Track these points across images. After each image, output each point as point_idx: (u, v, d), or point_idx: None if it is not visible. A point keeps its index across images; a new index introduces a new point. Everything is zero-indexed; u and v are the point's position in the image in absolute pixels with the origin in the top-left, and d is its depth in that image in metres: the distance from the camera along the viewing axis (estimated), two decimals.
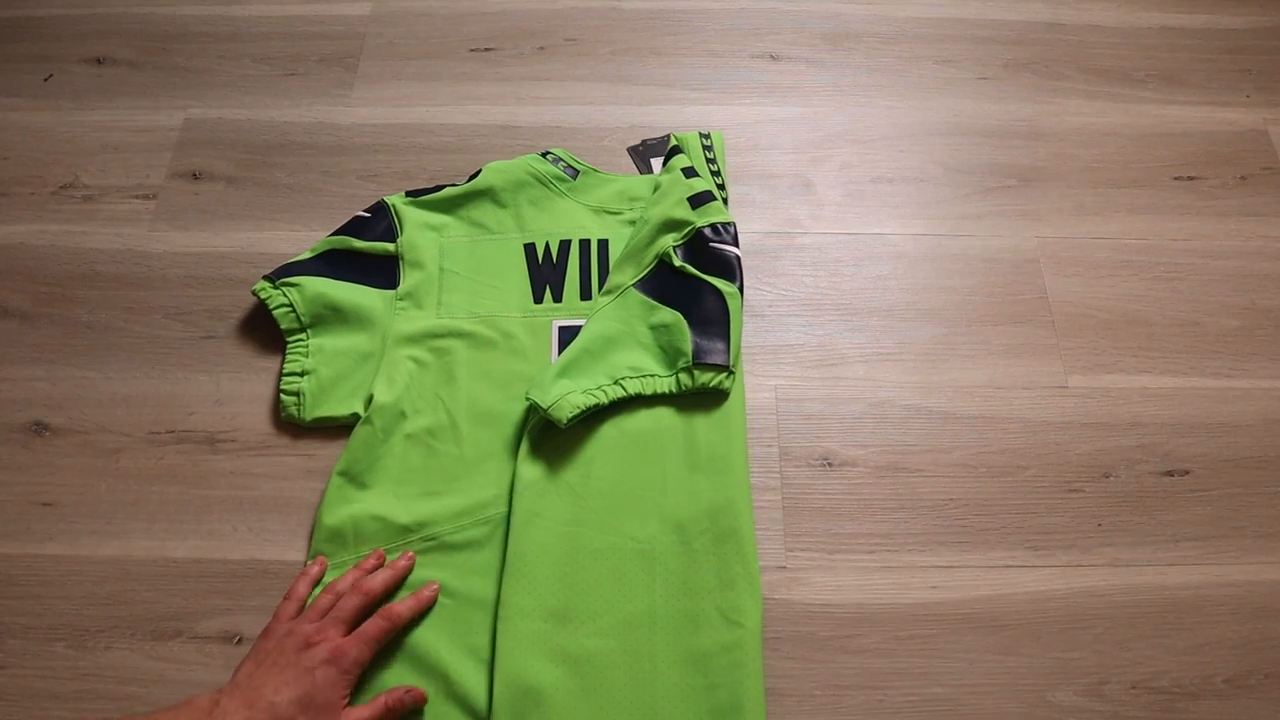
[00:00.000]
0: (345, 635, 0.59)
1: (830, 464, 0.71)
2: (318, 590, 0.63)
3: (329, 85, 0.91)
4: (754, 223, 0.83)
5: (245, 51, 0.93)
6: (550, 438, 0.69)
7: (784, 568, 0.67)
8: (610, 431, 0.69)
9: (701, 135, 0.85)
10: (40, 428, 0.72)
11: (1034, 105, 0.91)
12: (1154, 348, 0.77)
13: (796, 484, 0.70)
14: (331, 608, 0.60)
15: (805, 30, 0.96)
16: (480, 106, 0.89)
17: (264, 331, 0.76)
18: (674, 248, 0.75)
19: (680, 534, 0.66)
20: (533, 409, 0.68)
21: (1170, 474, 0.71)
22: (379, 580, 0.62)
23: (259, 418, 0.72)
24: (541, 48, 0.93)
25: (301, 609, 0.62)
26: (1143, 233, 0.83)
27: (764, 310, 0.78)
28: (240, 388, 0.74)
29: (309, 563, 0.65)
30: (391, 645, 0.61)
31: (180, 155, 0.86)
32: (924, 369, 0.75)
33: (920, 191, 0.85)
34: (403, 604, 0.62)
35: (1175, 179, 0.86)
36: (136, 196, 0.84)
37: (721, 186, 0.82)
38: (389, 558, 0.65)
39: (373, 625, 0.60)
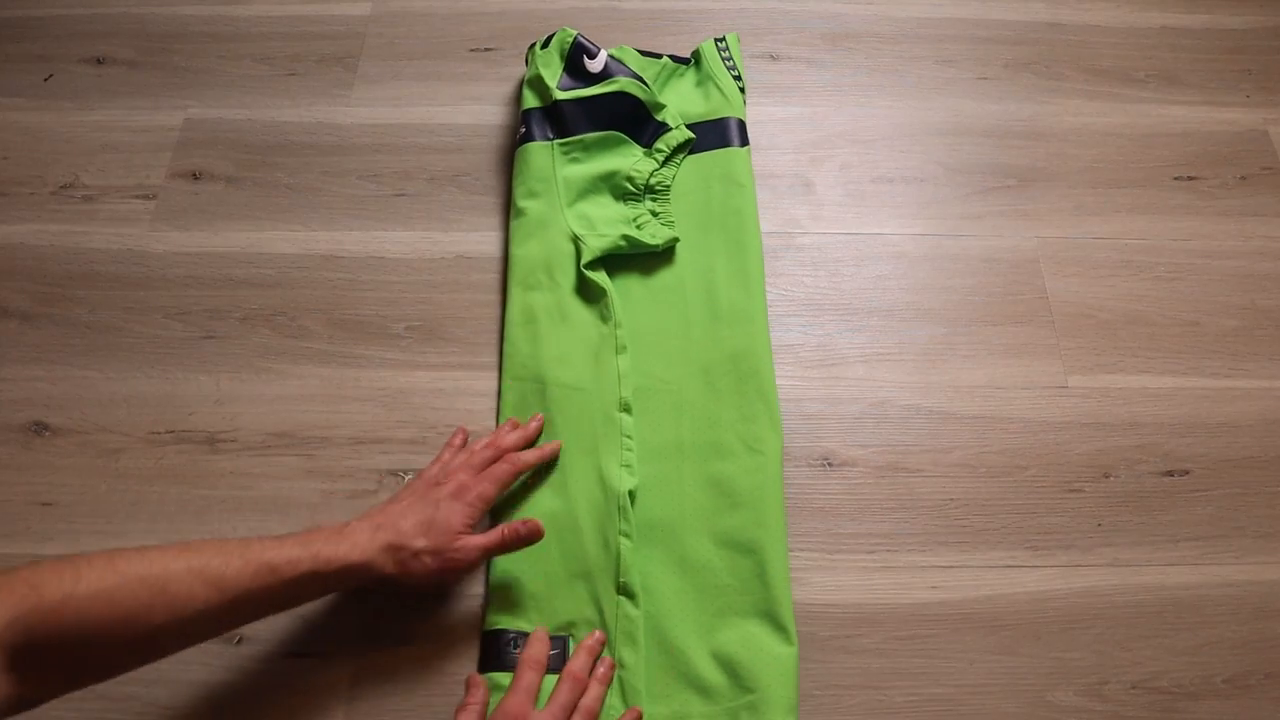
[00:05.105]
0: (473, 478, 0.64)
1: (830, 464, 0.71)
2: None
3: (329, 85, 0.91)
4: None
5: (245, 51, 0.93)
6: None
7: None
8: (636, 288, 0.77)
9: (717, 40, 0.89)
10: (40, 428, 0.72)
11: (1034, 105, 0.91)
12: (1154, 348, 0.77)
13: (796, 484, 0.70)
14: (465, 462, 0.66)
15: (805, 30, 0.96)
16: (480, 106, 0.89)
17: (264, 331, 0.76)
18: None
19: (705, 376, 0.72)
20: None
21: (1170, 474, 0.71)
22: (510, 439, 0.68)
23: (259, 418, 0.72)
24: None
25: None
26: (1143, 233, 0.83)
27: None
28: (240, 388, 0.74)
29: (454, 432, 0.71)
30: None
31: (180, 155, 0.86)
32: (924, 369, 0.75)
33: (920, 191, 0.85)
34: (527, 453, 0.68)
35: (1175, 179, 0.86)
36: (136, 196, 0.84)
37: (738, 78, 0.87)
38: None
39: (498, 468, 0.65)
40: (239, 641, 0.63)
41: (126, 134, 0.88)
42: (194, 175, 0.85)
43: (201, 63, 0.92)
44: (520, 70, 0.92)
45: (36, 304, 0.78)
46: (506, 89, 0.91)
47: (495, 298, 0.78)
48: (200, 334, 0.76)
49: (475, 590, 0.66)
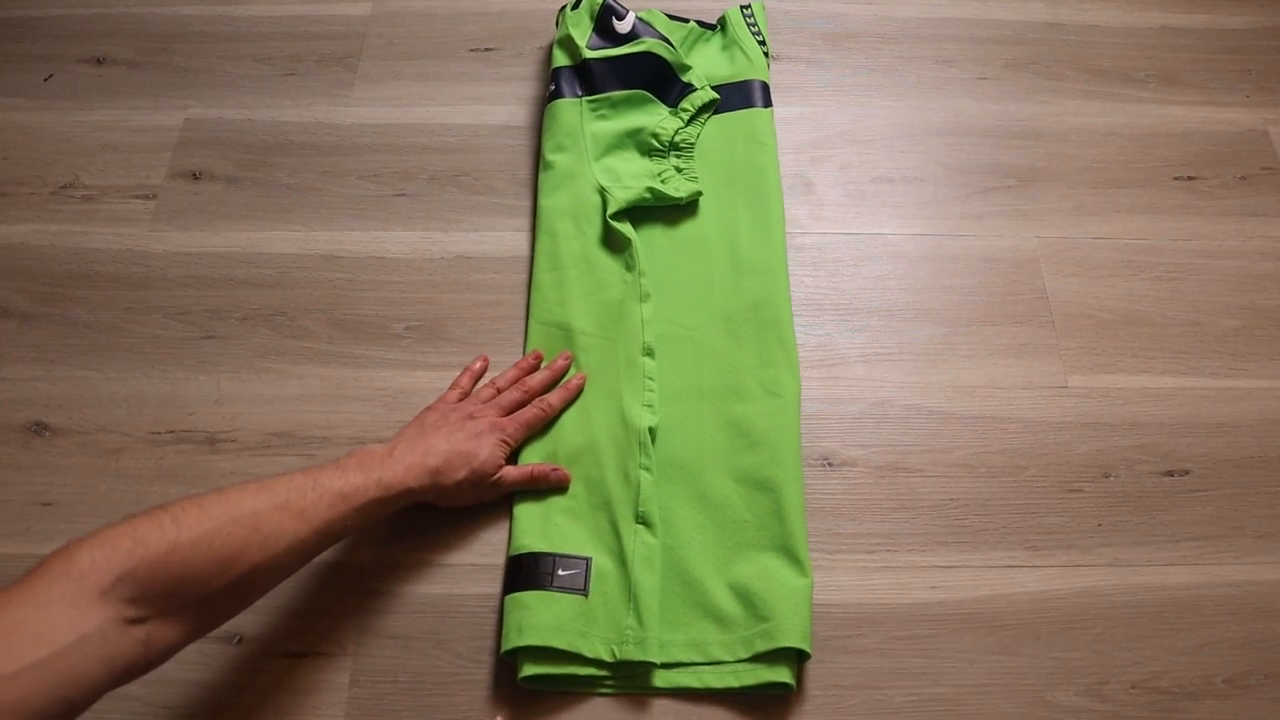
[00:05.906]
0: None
1: (830, 464, 0.71)
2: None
3: (329, 85, 0.91)
4: None
5: (245, 51, 0.93)
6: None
7: None
8: (660, 239, 0.79)
9: (743, 8, 0.91)
10: (40, 428, 0.72)
11: (1034, 105, 0.91)
12: (1154, 348, 0.77)
13: None
14: (492, 399, 0.69)
15: (805, 30, 0.96)
16: (480, 106, 0.89)
17: (264, 331, 0.76)
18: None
19: (726, 323, 0.75)
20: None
21: (1170, 474, 0.71)
22: (538, 379, 0.71)
23: (259, 418, 0.72)
24: (542, 47, 0.93)
25: (463, 398, 0.70)
26: (1143, 233, 0.83)
27: None
28: (240, 388, 0.74)
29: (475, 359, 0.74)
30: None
31: (180, 155, 0.86)
32: (924, 369, 0.75)
33: (920, 191, 0.85)
34: (554, 395, 0.70)
35: (1175, 179, 0.86)
36: (136, 196, 0.84)
37: (762, 43, 0.90)
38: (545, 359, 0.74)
39: (528, 412, 0.69)
40: (239, 641, 0.63)
41: (126, 134, 0.88)
42: (194, 175, 0.85)
43: (201, 63, 0.93)
44: (520, 70, 0.92)
45: (36, 304, 0.78)
46: (506, 89, 0.91)
47: (495, 297, 0.78)
48: (200, 334, 0.76)
49: (474, 590, 0.66)
